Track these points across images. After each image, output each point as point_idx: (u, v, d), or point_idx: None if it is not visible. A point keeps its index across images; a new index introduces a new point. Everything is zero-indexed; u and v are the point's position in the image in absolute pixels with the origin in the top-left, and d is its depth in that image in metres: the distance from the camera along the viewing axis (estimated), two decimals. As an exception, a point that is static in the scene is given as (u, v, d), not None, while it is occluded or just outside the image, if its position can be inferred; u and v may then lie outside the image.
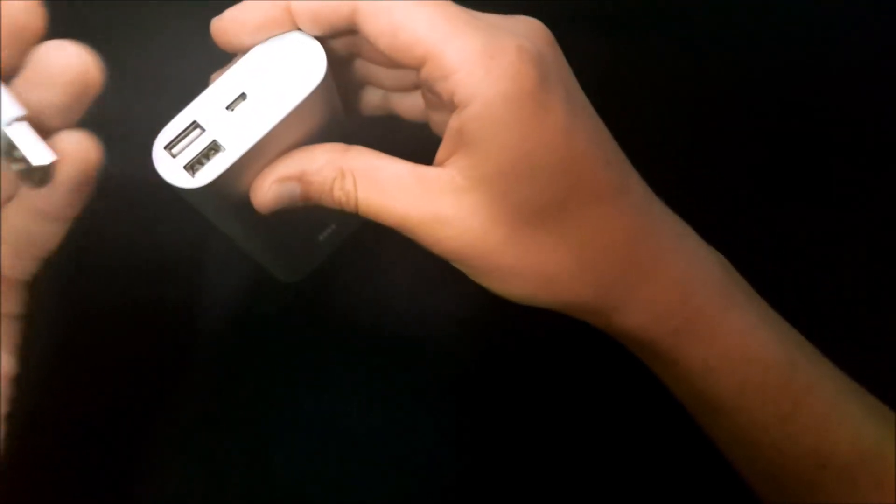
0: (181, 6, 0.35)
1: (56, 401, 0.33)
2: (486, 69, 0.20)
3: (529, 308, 0.24)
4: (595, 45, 0.37)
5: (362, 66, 0.26)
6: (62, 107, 0.19)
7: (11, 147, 0.17)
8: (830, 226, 0.36)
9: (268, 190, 0.23)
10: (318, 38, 0.22)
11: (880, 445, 0.24)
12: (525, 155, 0.21)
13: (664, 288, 0.24)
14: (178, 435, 0.34)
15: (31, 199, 0.19)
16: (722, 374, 0.24)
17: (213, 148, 0.21)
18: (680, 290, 0.24)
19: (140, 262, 0.34)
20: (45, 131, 0.18)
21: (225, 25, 0.22)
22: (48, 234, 0.20)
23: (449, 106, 0.21)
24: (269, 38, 0.22)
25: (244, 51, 0.22)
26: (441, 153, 0.23)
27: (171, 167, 0.21)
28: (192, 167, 0.21)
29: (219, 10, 0.22)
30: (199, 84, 0.22)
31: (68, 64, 0.18)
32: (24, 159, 0.17)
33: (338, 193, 0.23)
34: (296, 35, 0.22)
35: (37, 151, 0.18)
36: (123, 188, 0.34)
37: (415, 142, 0.27)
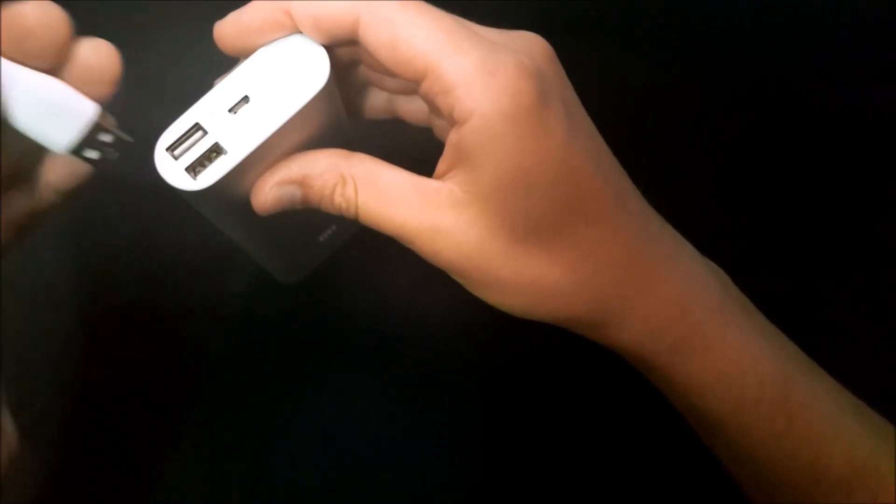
0: (183, 7, 0.35)
1: (56, 401, 0.33)
2: (486, 85, 0.20)
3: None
4: (595, 57, 0.38)
5: (366, 69, 0.26)
6: (102, 101, 0.20)
7: (95, 133, 0.20)
8: (828, 234, 0.36)
9: (268, 192, 0.23)
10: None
11: (876, 460, 0.24)
12: (523, 171, 0.21)
13: (660, 304, 0.24)
14: (179, 435, 0.34)
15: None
16: (717, 391, 0.24)
17: (216, 150, 0.21)
18: (676, 307, 0.24)
19: (141, 262, 0.34)
20: None
21: (227, 29, 0.22)
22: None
23: (448, 120, 0.21)
24: (274, 40, 0.22)
25: (247, 54, 0.22)
26: (441, 166, 0.23)
27: (172, 169, 0.21)
28: (193, 169, 0.21)
29: (221, 12, 0.22)
30: (201, 86, 0.22)
31: (107, 59, 0.19)
32: (107, 143, 0.20)
33: (338, 199, 0.23)
34: (300, 39, 0.22)
35: (121, 133, 0.20)
36: (125, 189, 0.34)
37: (417, 148, 0.27)
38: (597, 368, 0.33)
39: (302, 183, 0.23)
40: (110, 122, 0.20)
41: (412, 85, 0.23)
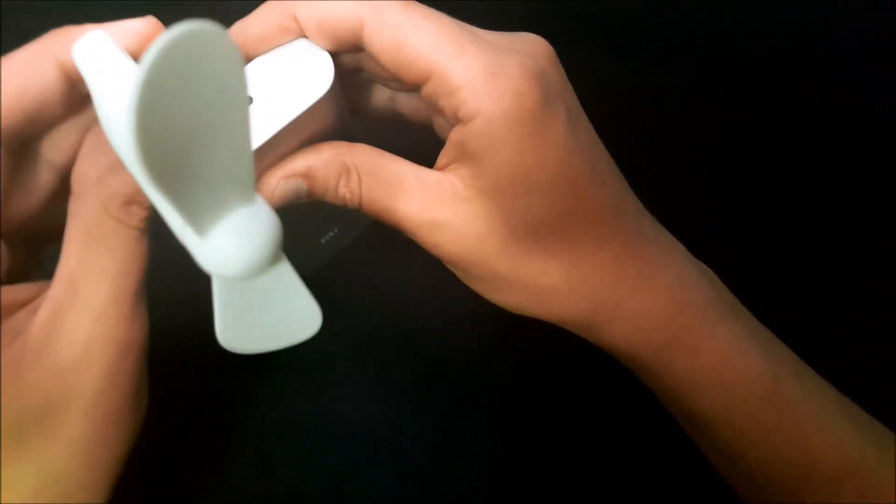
0: (185, 8, 0.35)
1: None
2: (490, 86, 0.21)
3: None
4: (592, 60, 0.38)
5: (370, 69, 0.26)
6: None
7: None
8: (828, 236, 0.36)
9: (275, 186, 0.23)
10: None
11: (864, 457, 0.24)
12: (524, 171, 0.21)
13: (652, 304, 0.24)
14: (179, 435, 0.34)
15: None
16: (707, 389, 0.24)
17: None
18: (668, 307, 0.24)
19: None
20: None
21: (234, 39, 0.23)
22: None
23: (451, 120, 0.22)
24: (279, 45, 0.22)
25: (251, 60, 0.23)
26: (442, 160, 0.23)
27: None
28: None
29: (223, 14, 0.23)
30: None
31: None
32: None
33: (342, 189, 0.23)
34: (305, 43, 0.22)
35: None
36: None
37: (417, 153, 0.28)
38: (598, 370, 0.33)
39: (307, 175, 0.23)
40: None
41: (408, 85, 0.23)
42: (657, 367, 0.25)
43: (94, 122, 0.21)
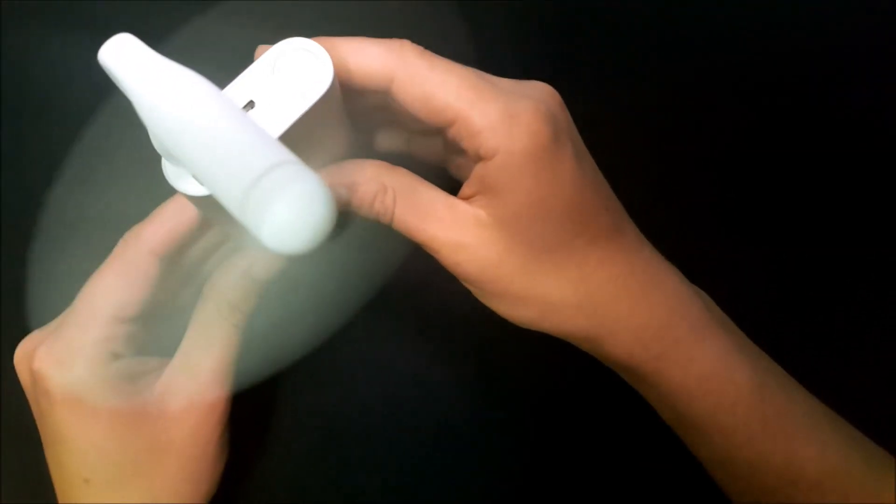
0: (187, 11, 0.36)
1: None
2: (507, 128, 0.23)
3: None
4: (594, 61, 0.38)
5: (389, 114, 0.28)
6: None
7: None
8: (828, 239, 0.37)
9: None
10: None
11: (847, 463, 0.26)
12: (540, 200, 0.24)
13: (650, 318, 0.26)
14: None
15: None
16: (698, 395, 0.26)
17: None
18: (664, 321, 0.26)
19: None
20: None
21: None
22: None
23: (474, 158, 0.24)
24: (279, 44, 0.22)
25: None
26: (466, 191, 0.25)
27: (179, 174, 0.21)
28: None
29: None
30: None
31: None
32: None
33: (377, 206, 0.25)
34: (305, 42, 0.22)
35: None
36: (131, 193, 0.34)
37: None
38: (595, 385, 0.33)
39: (350, 186, 0.25)
40: None
41: (433, 128, 0.25)
42: (653, 375, 0.26)
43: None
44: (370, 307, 0.35)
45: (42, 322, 0.29)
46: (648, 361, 0.26)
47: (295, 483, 0.34)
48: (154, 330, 0.29)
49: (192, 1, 0.36)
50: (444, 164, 0.29)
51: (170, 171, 0.21)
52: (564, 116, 0.25)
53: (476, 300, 0.27)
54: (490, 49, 0.37)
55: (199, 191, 0.21)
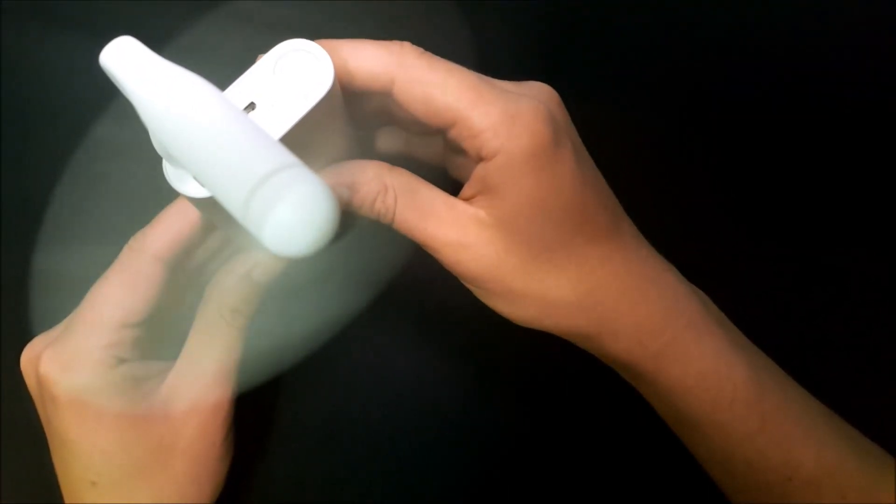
0: (188, 13, 0.36)
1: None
2: (508, 128, 0.23)
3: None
4: (594, 60, 0.38)
5: (389, 114, 0.28)
6: None
7: None
8: (828, 239, 0.37)
9: None
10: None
11: (842, 460, 0.26)
12: (540, 199, 0.24)
13: (649, 316, 0.26)
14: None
15: None
16: (696, 392, 0.26)
17: None
18: (662, 319, 0.26)
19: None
20: None
21: None
22: None
23: (475, 159, 0.24)
24: (279, 46, 0.22)
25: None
26: (467, 191, 0.25)
27: (180, 176, 0.21)
28: None
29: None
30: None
31: None
32: None
33: (379, 206, 0.25)
34: (306, 44, 0.22)
35: None
36: (132, 195, 0.34)
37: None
38: (593, 385, 0.34)
39: (351, 186, 0.25)
40: None
41: (434, 129, 0.25)
42: (652, 372, 0.26)
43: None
44: (371, 307, 0.35)
45: (43, 323, 0.29)
46: (647, 359, 0.26)
47: (295, 483, 0.34)
48: (158, 333, 0.29)
49: (192, 2, 0.36)
50: (444, 164, 0.30)
51: (171, 173, 0.21)
52: (563, 116, 0.25)
53: (476, 300, 0.27)
54: (490, 49, 0.37)
55: (200, 193, 0.21)
